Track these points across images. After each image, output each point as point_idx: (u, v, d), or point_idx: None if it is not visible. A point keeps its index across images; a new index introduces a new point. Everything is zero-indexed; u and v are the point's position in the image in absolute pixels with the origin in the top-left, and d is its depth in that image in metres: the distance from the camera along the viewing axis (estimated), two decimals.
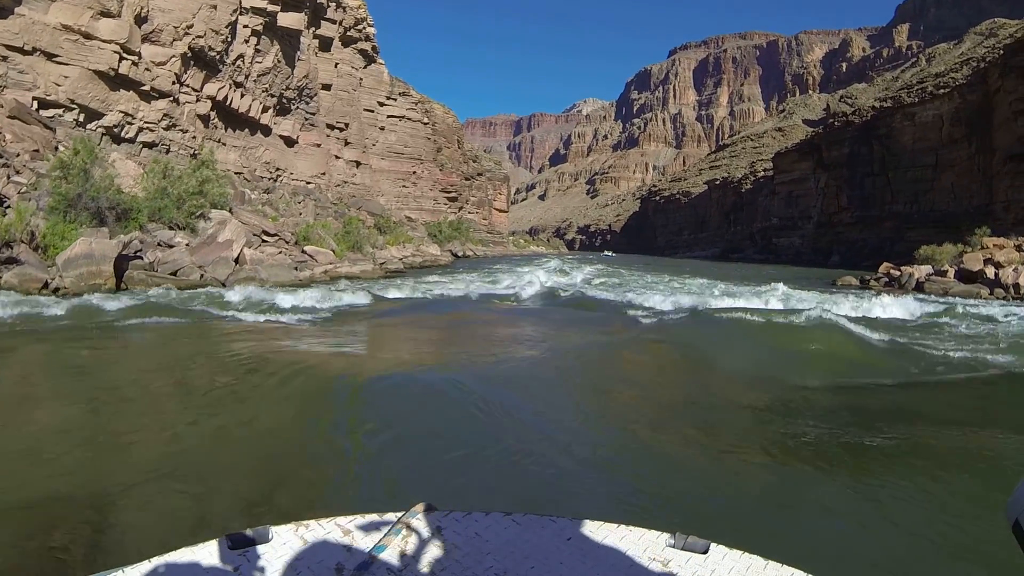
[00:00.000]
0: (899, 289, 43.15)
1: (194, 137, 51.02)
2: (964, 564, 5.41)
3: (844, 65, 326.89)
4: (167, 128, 48.08)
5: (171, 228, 32.24)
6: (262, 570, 2.37)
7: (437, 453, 7.76)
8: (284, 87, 65.77)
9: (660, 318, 21.70)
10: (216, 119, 56.11)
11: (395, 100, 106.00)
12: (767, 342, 15.96)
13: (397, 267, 51.59)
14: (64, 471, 6.66)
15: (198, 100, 52.41)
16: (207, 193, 36.21)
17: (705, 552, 2.57)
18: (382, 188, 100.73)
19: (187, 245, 30.45)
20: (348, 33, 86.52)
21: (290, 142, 69.29)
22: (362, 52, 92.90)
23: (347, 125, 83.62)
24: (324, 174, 75.21)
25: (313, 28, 73.81)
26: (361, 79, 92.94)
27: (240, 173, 57.45)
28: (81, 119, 41.69)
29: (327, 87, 79.00)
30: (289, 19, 63.37)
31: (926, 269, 46.55)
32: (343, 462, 7.60)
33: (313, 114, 73.51)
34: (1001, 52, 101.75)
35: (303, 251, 39.65)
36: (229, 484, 6.70)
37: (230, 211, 36.98)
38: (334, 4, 79.58)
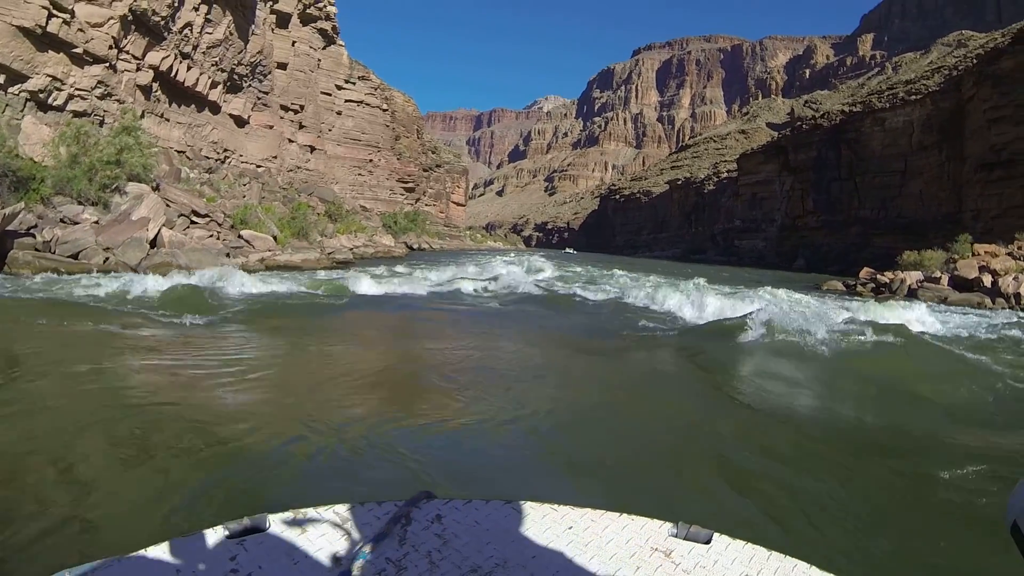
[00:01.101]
0: (891, 295, 40.55)
1: (131, 109, 46.62)
2: None
3: (808, 71, 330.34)
4: (101, 97, 43.15)
5: (81, 203, 27.89)
6: (260, 559, 2.34)
7: None
8: (236, 62, 61.69)
9: (679, 329, 18.14)
10: (159, 91, 51.59)
11: (354, 84, 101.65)
12: (877, 376, 11.60)
13: (346, 257, 47.59)
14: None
15: (139, 69, 47.85)
16: (125, 163, 31.33)
17: (708, 542, 2.54)
18: (337, 175, 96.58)
19: (95, 223, 26.39)
20: (307, 10, 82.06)
21: (241, 122, 65.34)
22: (321, 31, 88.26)
23: (302, 107, 79.62)
24: (276, 158, 71.31)
25: (270, 2, 69.83)
26: (319, 60, 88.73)
27: (183, 152, 53.17)
28: (1, 81, 37.16)
29: (283, 66, 75.08)
30: None
31: (916, 275, 44.07)
32: None
33: (266, 93, 69.58)
34: (975, 61, 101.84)
35: (239, 236, 35.68)
36: None
37: (156, 187, 32.46)
38: None
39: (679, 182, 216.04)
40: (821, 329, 13.29)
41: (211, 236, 32.14)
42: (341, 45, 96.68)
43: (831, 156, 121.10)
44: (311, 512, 2.65)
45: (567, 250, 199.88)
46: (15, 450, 6.52)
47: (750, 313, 15.57)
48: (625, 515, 2.73)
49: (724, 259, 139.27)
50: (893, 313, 20.23)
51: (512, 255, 70.91)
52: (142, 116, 48.01)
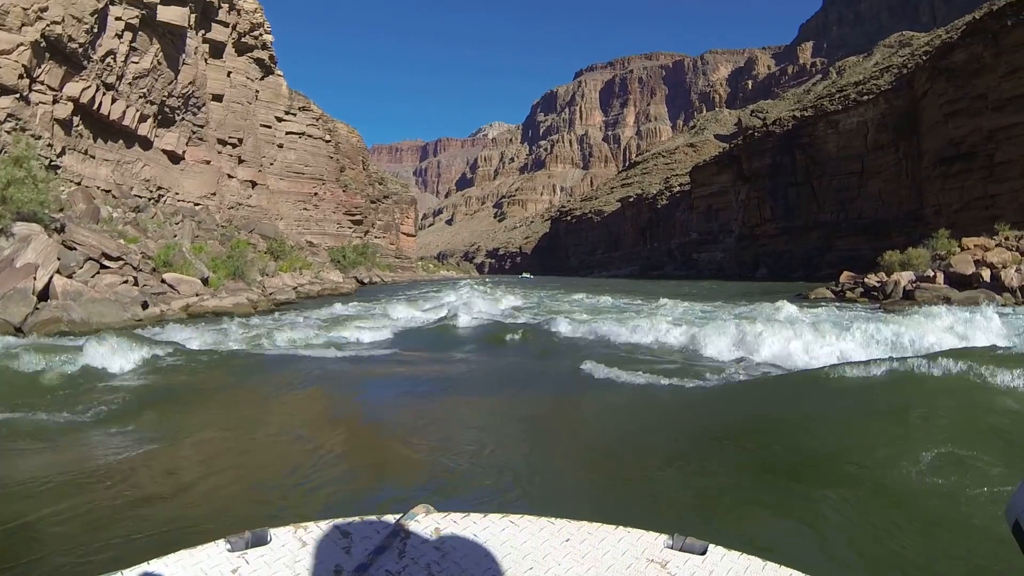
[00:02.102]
0: (886, 299, 38.14)
1: (50, 145, 42.38)
2: None
3: (750, 83, 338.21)
4: (12, 131, 39.07)
5: None
6: (262, 572, 2.37)
7: None
8: (166, 94, 57.81)
9: (724, 380, 12.85)
10: (81, 126, 47.44)
11: (295, 115, 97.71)
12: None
13: (288, 297, 43.95)
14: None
15: (56, 101, 43.63)
16: (10, 199, 26.09)
17: (703, 553, 2.57)
18: (281, 211, 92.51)
19: None
20: (242, 39, 78.10)
21: (175, 158, 61.50)
22: (258, 61, 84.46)
23: (241, 141, 75.76)
24: (215, 195, 67.42)
25: (202, 31, 66.22)
26: (257, 91, 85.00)
27: (109, 191, 49.07)
28: None
29: (218, 98, 71.27)
30: (171, 14, 55.29)
31: (908, 276, 41.42)
32: None
33: (201, 127, 65.76)
34: (925, 58, 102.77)
35: (163, 280, 31.49)
36: None
37: (60, 229, 27.52)
38: (227, 5, 71.91)
39: (631, 199, 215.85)
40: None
41: (125, 282, 27.81)
42: (279, 75, 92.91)
43: (786, 162, 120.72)
44: (312, 525, 2.65)
45: (524, 275, 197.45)
46: None
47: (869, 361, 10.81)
48: (621, 527, 2.74)
49: (683, 273, 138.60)
50: (944, 322, 17.34)
51: (468, 285, 67.45)
52: (62, 153, 44.11)
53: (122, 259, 28.90)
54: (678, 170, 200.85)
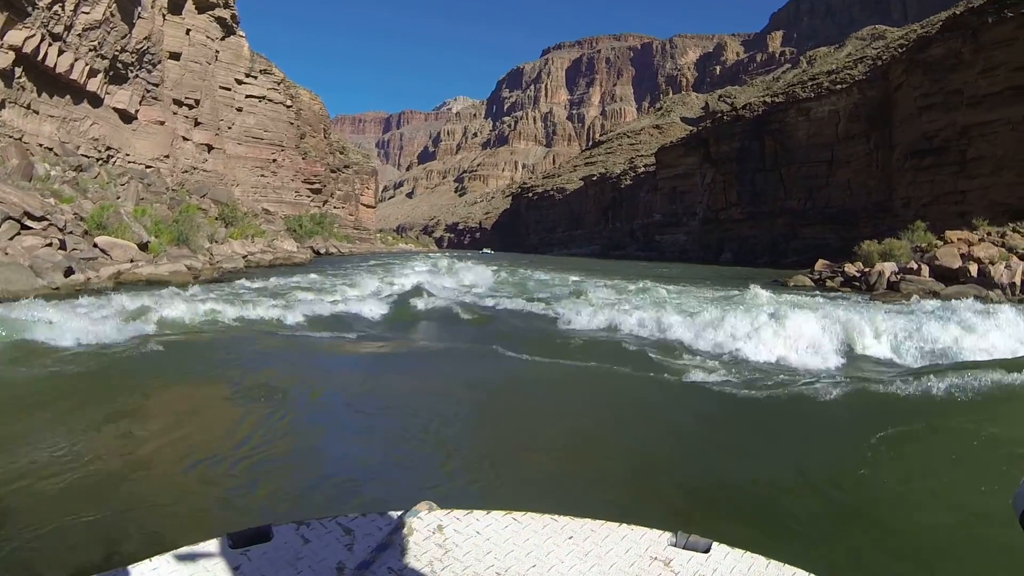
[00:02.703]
0: (869, 290, 36.91)
1: None
2: None
3: (718, 68, 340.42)
4: None
5: None
6: (263, 569, 2.39)
7: None
8: (119, 48, 54.30)
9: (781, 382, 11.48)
10: (23, 78, 43.96)
11: (255, 78, 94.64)
12: None
13: (236, 266, 40.94)
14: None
15: None
16: None
17: (707, 551, 2.60)
18: (238, 177, 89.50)
19: None
20: None
21: (127, 117, 58.19)
22: (219, 20, 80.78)
23: (198, 102, 72.40)
24: (168, 157, 64.28)
25: None
26: (217, 52, 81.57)
27: (51, 148, 45.92)
28: None
29: (176, 56, 67.81)
30: None
31: (890, 267, 40.12)
32: None
33: (156, 86, 62.36)
34: (899, 50, 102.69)
35: (95, 245, 28.39)
36: None
37: None
38: None
39: (594, 178, 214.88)
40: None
41: (48, 245, 24.97)
42: (241, 36, 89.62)
43: (755, 147, 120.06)
44: (315, 522, 2.67)
45: (484, 250, 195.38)
46: None
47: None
48: (625, 525, 2.77)
49: (645, 254, 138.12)
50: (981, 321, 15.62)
51: (428, 258, 65.05)
52: (1, 106, 41.07)
53: (47, 219, 26.01)
54: (643, 151, 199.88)
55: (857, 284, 40.32)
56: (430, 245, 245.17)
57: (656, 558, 2.53)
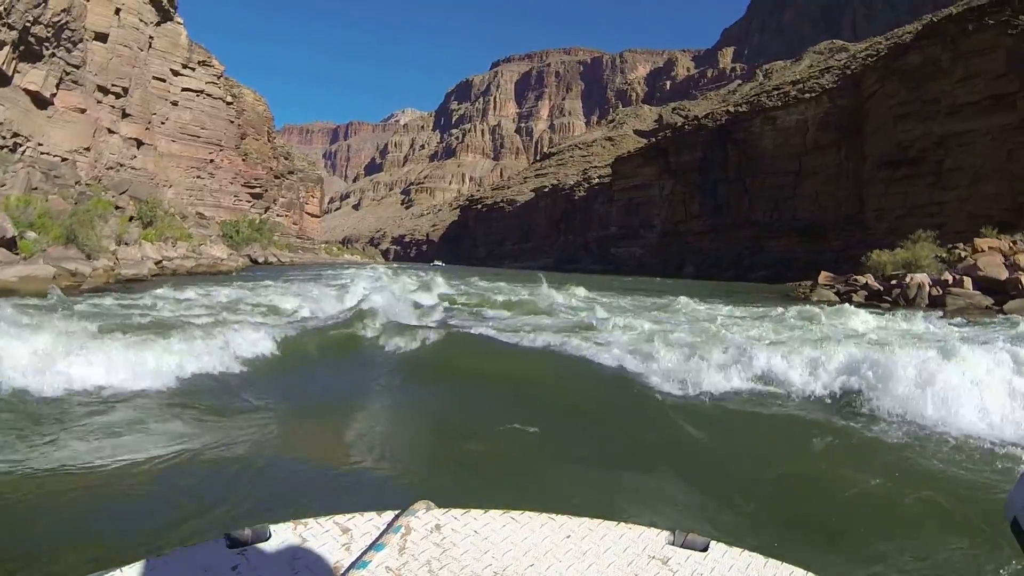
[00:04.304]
0: (909, 305, 32.96)
1: None
2: None
3: (668, 83, 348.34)
4: None
5: None
6: (261, 569, 2.37)
7: None
8: (31, 19, 47.91)
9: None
10: None
11: (193, 70, 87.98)
12: None
13: (138, 272, 34.87)
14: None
15: None
16: None
17: (705, 550, 2.60)
18: (171, 177, 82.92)
19: None
20: None
21: (41, 101, 51.95)
22: (155, 3, 74.48)
23: (126, 91, 66.17)
24: (89, 150, 57.92)
25: None
26: (151, 38, 75.34)
27: None
28: None
29: (102, 37, 61.62)
30: None
31: (922, 278, 36.06)
32: None
33: (77, 67, 56.07)
34: (874, 58, 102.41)
35: None
36: None
37: None
38: None
39: (546, 189, 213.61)
40: None
41: None
42: (179, 23, 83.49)
43: (718, 157, 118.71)
44: (312, 521, 2.64)
45: (435, 263, 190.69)
46: None
47: None
48: (622, 524, 2.76)
49: (601, 268, 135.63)
50: None
51: (379, 270, 58.17)
52: None
53: None
54: (596, 162, 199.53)
55: (888, 299, 36.27)
56: (376, 257, 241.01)
57: (654, 556, 2.52)
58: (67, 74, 54.72)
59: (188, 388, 9.49)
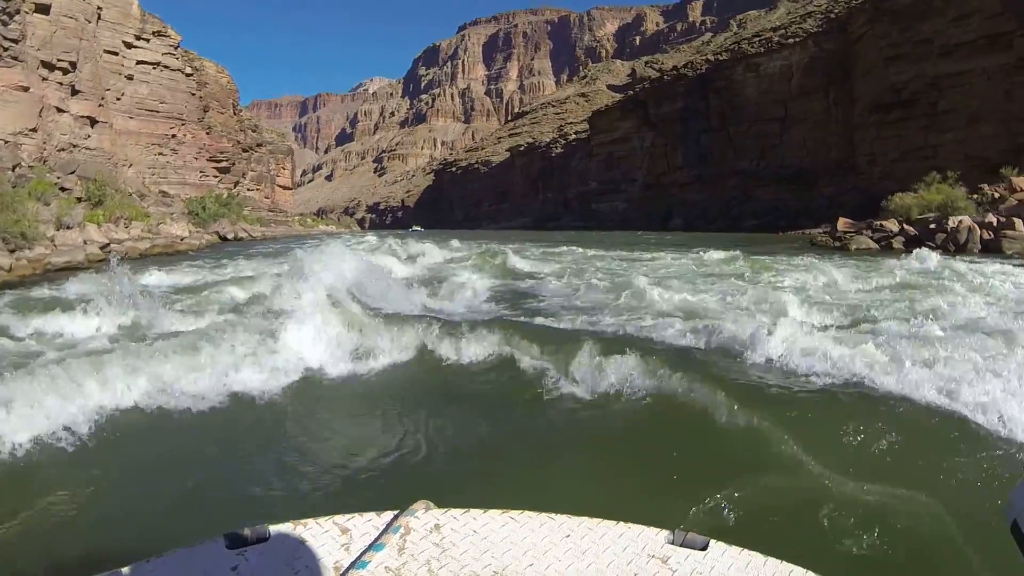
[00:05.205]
0: (960, 251, 31.07)
1: None
2: None
3: (638, 39, 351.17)
4: None
5: None
6: (260, 569, 2.40)
7: None
8: None
9: None
10: None
11: (147, 41, 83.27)
12: None
13: (72, 259, 30.91)
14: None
15: None
16: None
17: (704, 549, 2.61)
18: (130, 156, 78.52)
19: None
20: None
21: None
22: None
23: (74, 66, 61.86)
24: (35, 131, 53.83)
25: None
26: (100, 9, 70.91)
27: None
28: None
29: (43, 9, 57.46)
30: None
31: (967, 220, 33.56)
32: None
33: (16, 42, 51.94)
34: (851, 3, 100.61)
35: None
36: None
37: None
38: None
39: (521, 148, 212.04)
40: None
41: None
42: None
43: (699, 107, 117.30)
44: (311, 522, 2.67)
45: (413, 228, 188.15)
46: None
47: None
48: (622, 523, 2.77)
49: (583, 224, 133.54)
50: None
51: (361, 239, 54.25)
52: None
53: None
54: (571, 119, 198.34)
55: (933, 244, 33.44)
56: (352, 226, 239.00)
57: (653, 556, 2.53)
58: (5, 49, 50.63)
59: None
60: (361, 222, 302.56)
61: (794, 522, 5.57)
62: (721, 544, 2.57)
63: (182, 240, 50.19)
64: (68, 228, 35.83)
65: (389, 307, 12.94)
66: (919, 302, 14.14)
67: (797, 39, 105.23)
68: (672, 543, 2.59)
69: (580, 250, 38.24)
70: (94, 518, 5.54)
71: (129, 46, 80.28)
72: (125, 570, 2.25)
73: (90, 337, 11.75)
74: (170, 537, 4.56)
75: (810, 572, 2.42)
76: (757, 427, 7.64)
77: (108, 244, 38.00)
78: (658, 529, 2.68)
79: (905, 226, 38.41)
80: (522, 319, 13.48)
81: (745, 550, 2.54)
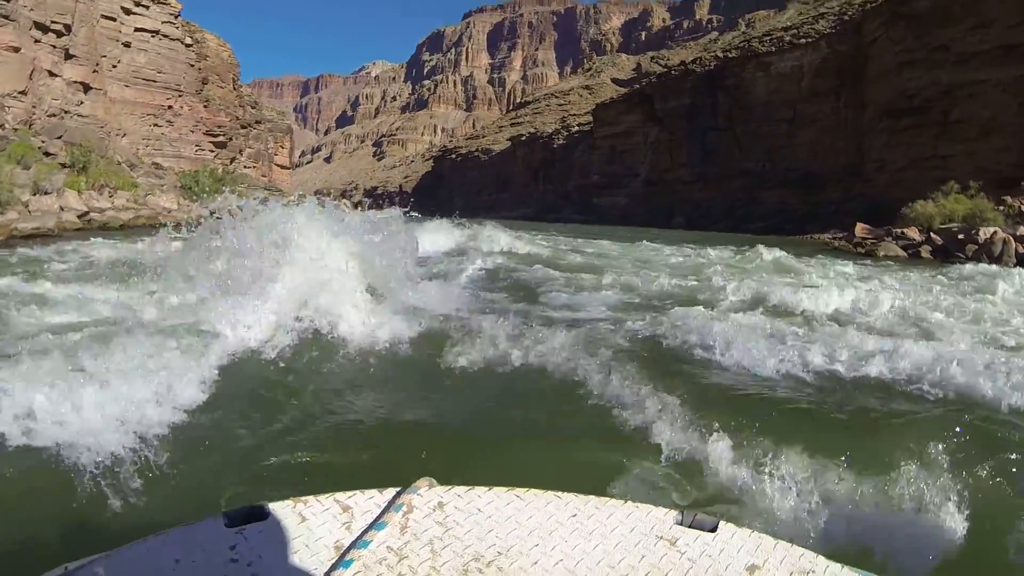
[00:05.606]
0: (995, 262, 30.17)
1: None
2: None
3: (644, 34, 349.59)
4: None
5: None
6: (259, 547, 2.38)
7: None
8: None
9: None
10: None
11: (147, 8, 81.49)
12: None
13: (42, 225, 29.78)
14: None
15: None
16: None
17: (714, 530, 2.58)
18: (124, 125, 76.86)
19: None
20: None
21: None
22: None
23: (69, 29, 60.13)
24: (25, 94, 52.21)
25: None
26: None
27: None
28: None
29: None
30: None
31: (1000, 232, 32.90)
32: None
33: (8, 0, 50.27)
34: (875, 2, 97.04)
35: None
36: None
37: None
38: None
39: (523, 138, 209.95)
40: None
41: None
42: None
43: (706, 104, 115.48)
44: (311, 499, 2.65)
45: (411, 214, 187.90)
46: None
47: None
48: (630, 503, 2.74)
49: (583, 218, 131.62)
50: None
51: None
52: None
53: None
54: (574, 111, 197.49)
55: (962, 255, 33.65)
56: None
57: (662, 537, 2.50)
58: None
59: None
60: (358, 205, 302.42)
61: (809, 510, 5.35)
62: (731, 526, 2.53)
63: (169, 213, 48.32)
64: (46, 194, 34.29)
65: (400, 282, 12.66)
66: None
67: (810, 39, 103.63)
68: (681, 524, 2.55)
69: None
70: (89, 497, 5.22)
71: (128, 12, 78.62)
72: (123, 549, 2.21)
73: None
74: (166, 515, 4.63)
75: (820, 556, 2.36)
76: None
77: (87, 212, 36.53)
78: (667, 509, 2.64)
79: (932, 235, 37.51)
80: (556, 310, 13.83)
81: (755, 532, 2.49)
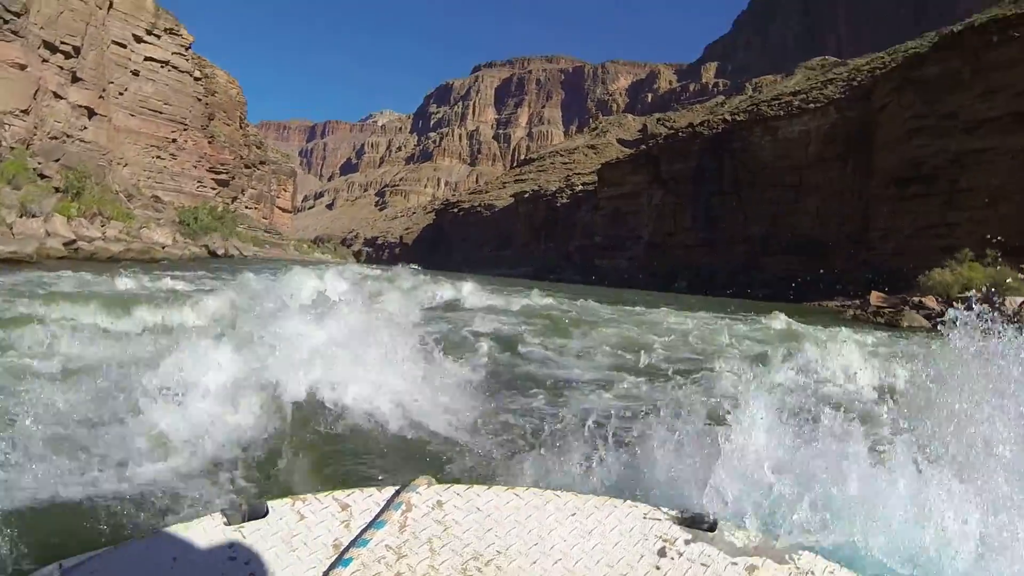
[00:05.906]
0: None
1: None
2: None
3: (650, 96, 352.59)
4: None
5: None
6: (259, 546, 2.38)
7: None
8: None
9: None
10: None
11: (158, 37, 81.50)
12: None
13: (18, 251, 28.14)
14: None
15: None
16: None
17: (712, 530, 2.58)
18: (127, 155, 76.67)
19: None
20: None
21: None
22: None
23: (78, 51, 59.87)
24: (27, 113, 51.67)
25: None
26: None
27: None
28: None
29: None
30: None
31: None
32: None
33: (17, 15, 50.09)
34: (883, 69, 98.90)
35: None
36: None
37: None
38: None
39: (526, 195, 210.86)
40: None
41: None
42: None
43: (712, 167, 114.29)
44: (311, 498, 2.65)
45: (411, 266, 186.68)
46: None
47: None
48: (629, 502, 2.75)
49: (583, 279, 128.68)
50: None
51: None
52: None
53: None
54: (578, 170, 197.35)
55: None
56: (348, 257, 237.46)
57: (661, 536, 2.51)
58: (4, 22, 48.49)
59: None
60: (357, 254, 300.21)
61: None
62: (730, 525, 2.53)
63: (163, 248, 47.67)
64: (33, 216, 33.30)
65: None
66: None
67: (818, 104, 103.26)
68: (680, 523, 2.55)
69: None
70: (87, 495, 5.10)
71: (139, 40, 78.97)
72: (121, 546, 2.20)
73: None
74: (165, 513, 4.72)
75: (818, 556, 2.38)
76: None
77: (74, 241, 35.63)
78: (666, 509, 2.63)
79: (955, 304, 36.57)
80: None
81: (754, 532, 2.52)
